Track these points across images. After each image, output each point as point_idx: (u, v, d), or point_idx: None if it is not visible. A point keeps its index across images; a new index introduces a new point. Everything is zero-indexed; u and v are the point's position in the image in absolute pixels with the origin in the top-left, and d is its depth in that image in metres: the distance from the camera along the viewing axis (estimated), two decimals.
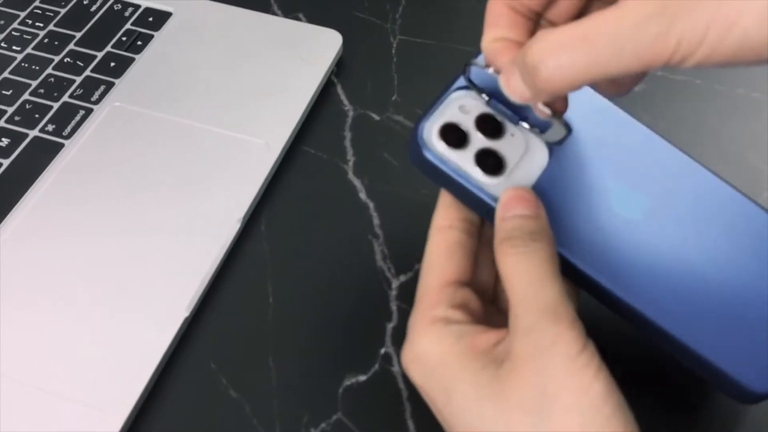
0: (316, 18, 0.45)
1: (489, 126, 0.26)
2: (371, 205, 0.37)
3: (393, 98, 0.41)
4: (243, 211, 0.35)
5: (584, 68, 0.20)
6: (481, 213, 0.27)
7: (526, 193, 0.25)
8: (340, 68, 0.43)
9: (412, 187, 0.37)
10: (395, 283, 0.34)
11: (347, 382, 0.31)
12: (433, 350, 0.23)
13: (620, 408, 0.21)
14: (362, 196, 0.37)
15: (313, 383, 0.31)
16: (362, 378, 0.31)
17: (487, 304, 0.26)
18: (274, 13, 0.46)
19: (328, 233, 0.36)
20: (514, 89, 0.22)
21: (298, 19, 0.45)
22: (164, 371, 0.30)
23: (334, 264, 0.35)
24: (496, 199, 0.25)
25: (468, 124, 0.27)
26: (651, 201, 0.27)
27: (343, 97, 0.42)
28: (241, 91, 0.40)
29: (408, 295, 0.33)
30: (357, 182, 0.38)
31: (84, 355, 0.30)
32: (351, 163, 0.38)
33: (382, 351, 0.32)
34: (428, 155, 0.26)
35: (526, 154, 0.26)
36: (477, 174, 0.26)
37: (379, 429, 0.30)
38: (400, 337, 0.32)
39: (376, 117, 0.41)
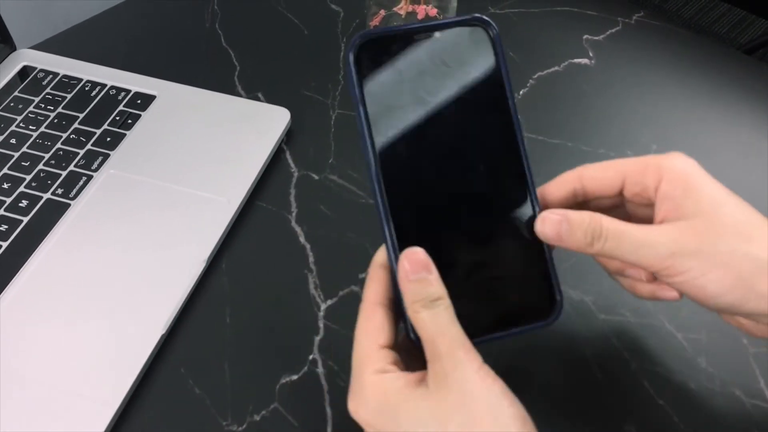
0: (272, 96, 0.57)
1: None
2: (308, 246, 0.47)
3: (330, 161, 0.53)
4: (207, 253, 0.46)
5: (610, 251, 0.32)
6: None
7: (421, 256, 0.31)
8: (289, 137, 0.54)
9: (340, 232, 0.48)
10: (323, 306, 0.44)
11: (283, 380, 0.41)
12: (378, 391, 0.31)
13: (515, 400, 0.30)
14: (301, 239, 0.48)
15: (257, 381, 0.41)
16: (294, 377, 0.41)
17: (406, 360, 0.34)
18: (238, 94, 0.57)
19: (274, 269, 0.46)
20: (551, 231, 0.32)
21: (257, 98, 0.57)
22: (148, 372, 0.41)
23: (278, 292, 0.45)
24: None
25: None
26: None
27: (290, 161, 0.53)
28: (208, 159, 0.51)
29: (332, 315, 0.44)
30: (298, 229, 0.48)
31: (85, 357, 0.40)
32: (294, 214, 0.49)
33: (311, 357, 0.42)
34: None
35: None
36: None
37: (306, 415, 0.40)
38: (325, 347, 0.42)
39: (316, 177, 0.52)
